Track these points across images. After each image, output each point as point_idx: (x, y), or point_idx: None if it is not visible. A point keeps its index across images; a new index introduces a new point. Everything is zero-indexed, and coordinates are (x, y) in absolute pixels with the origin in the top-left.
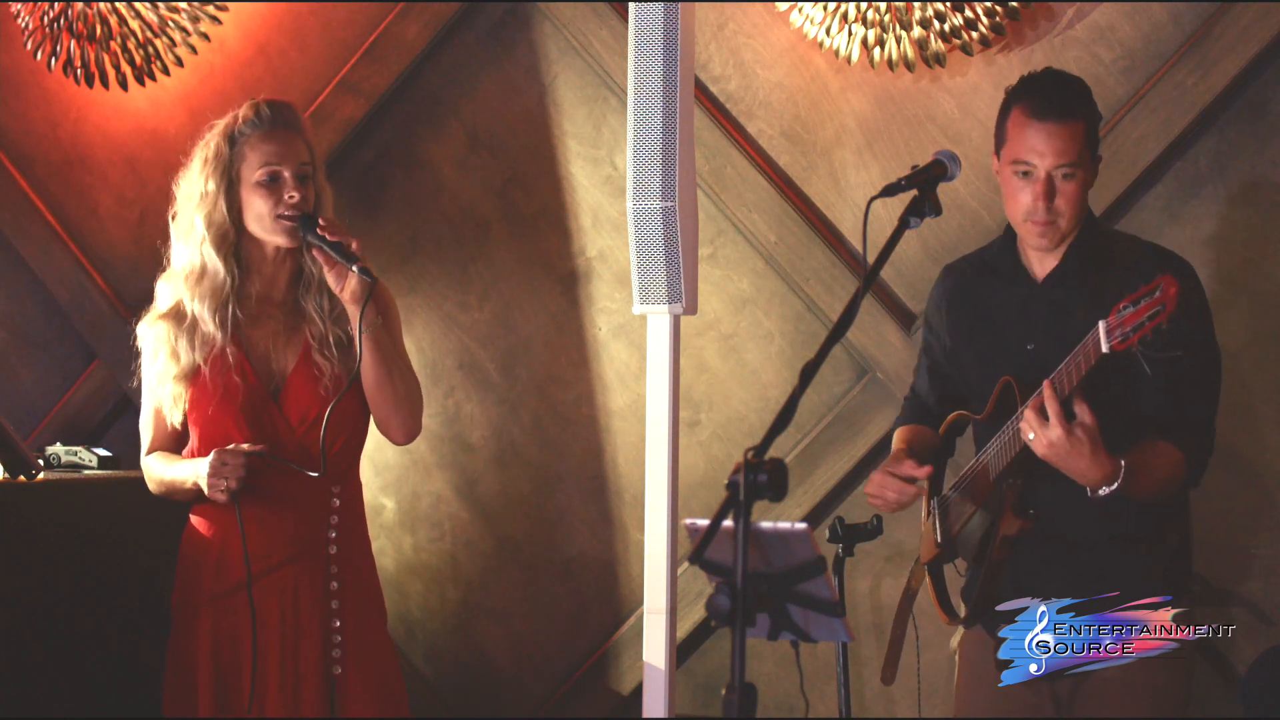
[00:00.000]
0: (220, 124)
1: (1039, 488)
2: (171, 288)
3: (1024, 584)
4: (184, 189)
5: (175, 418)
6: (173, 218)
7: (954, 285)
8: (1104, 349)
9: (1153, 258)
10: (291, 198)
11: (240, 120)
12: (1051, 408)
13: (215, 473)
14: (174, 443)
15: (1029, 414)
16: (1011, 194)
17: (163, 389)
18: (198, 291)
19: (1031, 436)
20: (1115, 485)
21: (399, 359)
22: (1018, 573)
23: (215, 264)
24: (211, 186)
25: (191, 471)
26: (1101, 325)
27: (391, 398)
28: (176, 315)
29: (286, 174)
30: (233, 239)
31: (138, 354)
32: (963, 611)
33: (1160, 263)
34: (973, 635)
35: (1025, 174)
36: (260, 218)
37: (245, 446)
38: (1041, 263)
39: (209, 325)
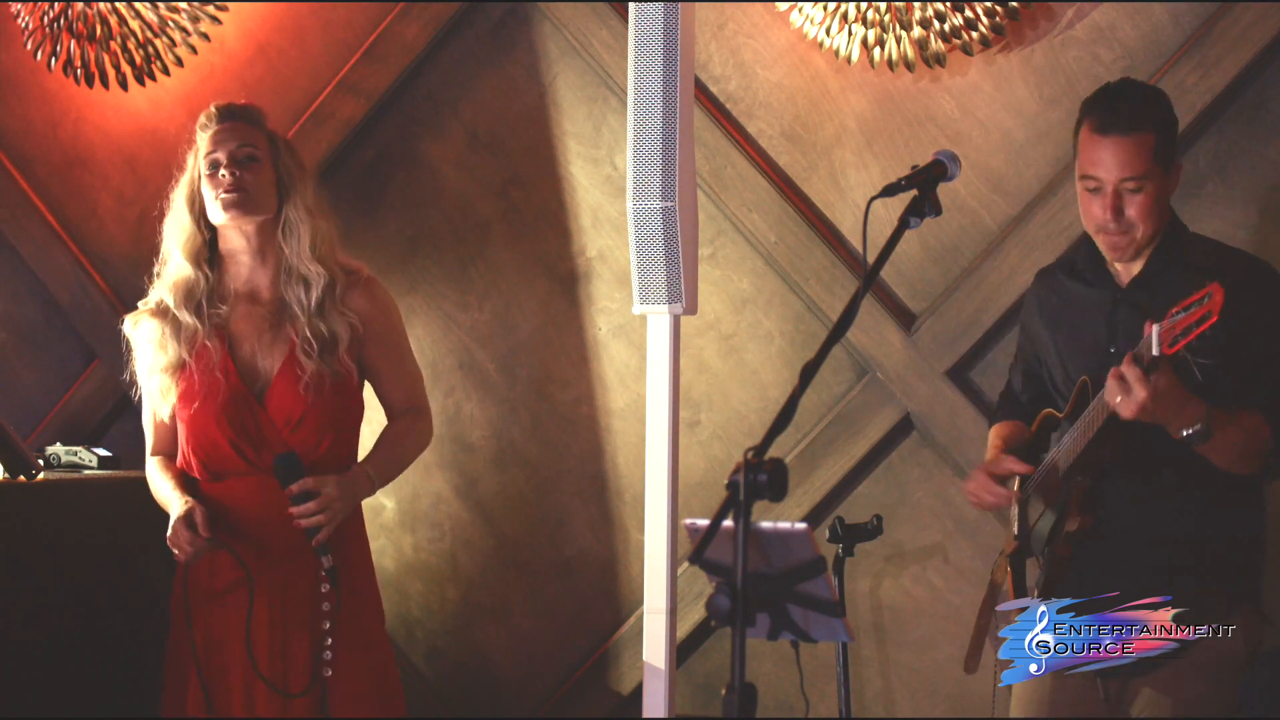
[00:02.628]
0: None
1: (1108, 487)
2: (155, 287)
3: (1090, 580)
4: (171, 201)
5: (164, 411)
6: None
7: (1046, 288)
8: (1155, 352)
9: (1234, 262)
10: (224, 177)
11: (197, 129)
12: (1131, 372)
13: (171, 538)
14: (173, 441)
15: (1111, 382)
16: (1084, 206)
17: (151, 382)
18: (174, 292)
19: (1119, 401)
20: (1199, 425)
21: (401, 459)
22: (1084, 573)
23: (183, 264)
24: (179, 193)
25: (173, 502)
26: (1155, 329)
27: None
28: (160, 312)
29: (223, 157)
30: (199, 241)
31: (131, 344)
32: None
33: (1242, 267)
34: None
35: (1094, 189)
36: (210, 205)
37: (199, 542)
38: (1125, 267)
39: (186, 317)
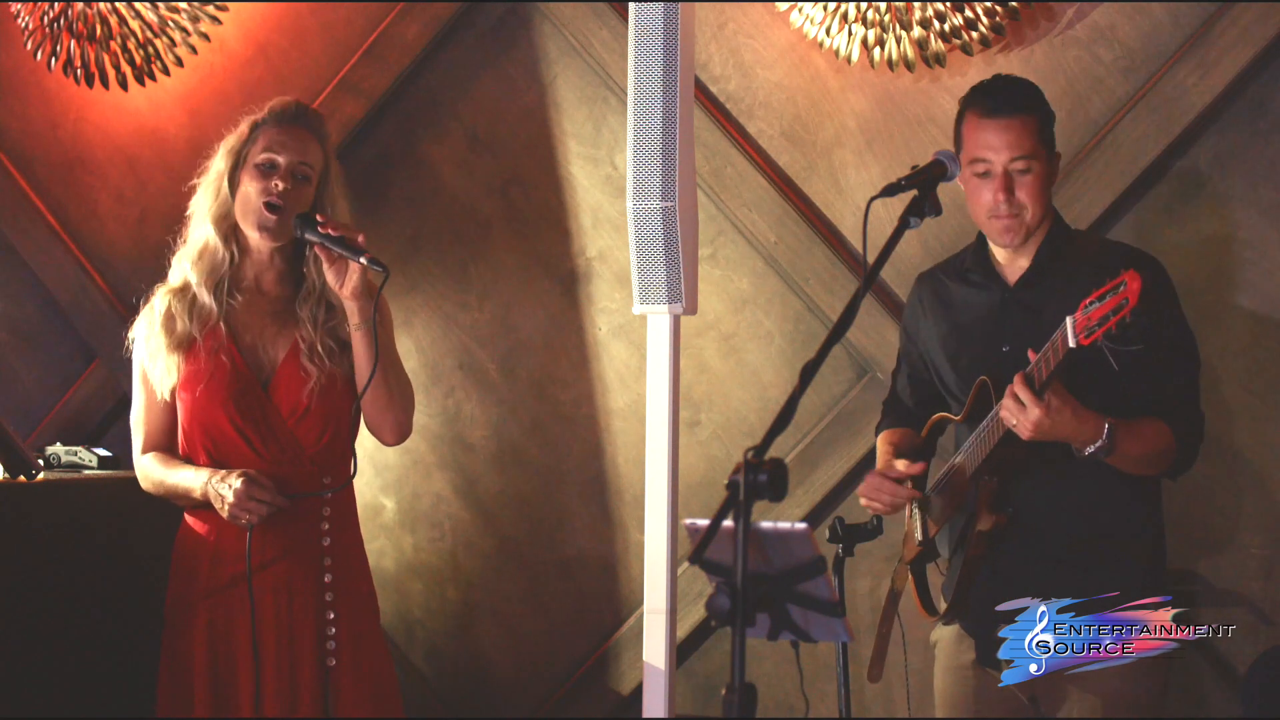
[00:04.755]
0: (251, 115)
1: (1016, 486)
2: (181, 265)
3: (1003, 582)
4: (206, 171)
5: (165, 389)
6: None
7: (929, 291)
8: (1070, 344)
9: (1121, 256)
10: (277, 186)
11: (266, 110)
12: (1023, 393)
13: (240, 504)
14: (168, 438)
15: (1007, 402)
16: (973, 195)
17: (156, 363)
18: (198, 266)
19: (1015, 423)
20: (1101, 441)
21: (393, 358)
22: (997, 571)
23: (215, 240)
24: (222, 166)
25: (197, 482)
26: (1069, 321)
27: (385, 397)
28: (180, 290)
29: (282, 163)
30: (232, 219)
31: (131, 345)
32: (942, 607)
33: (1128, 261)
34: (949, 631)
35: (984, 173)
36: (245, 200)
37: (279, 500)
38: (1012, 266)
39: (205, 297)
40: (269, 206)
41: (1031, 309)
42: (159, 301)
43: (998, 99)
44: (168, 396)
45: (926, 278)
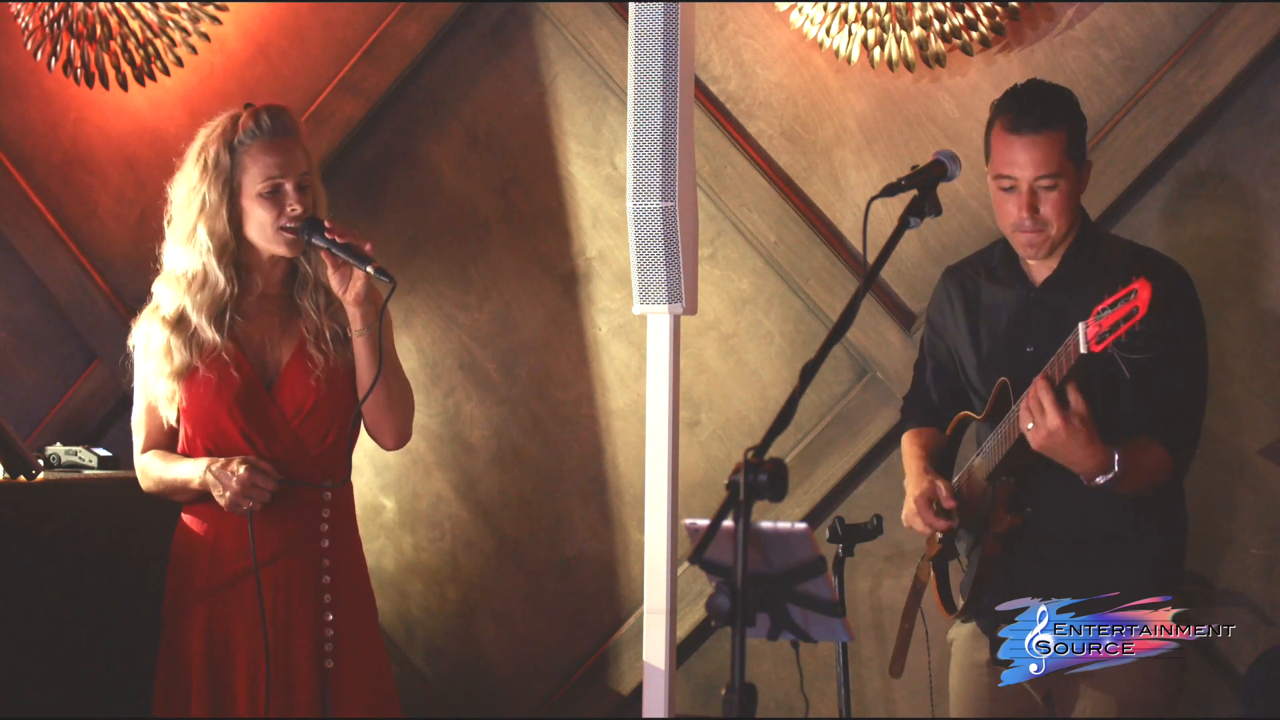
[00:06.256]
0: (216, 128)
1: (1032, 487)
2: (171, 291)
3: (1018, 582)
4: (181, 193)
5: (170, 415)
6: (168, 221)
7: (956, 287)
8: (1082, 350)
9: (1147, 262)
10: (294, 210)
11: (240, 129)
12: (1046, 397)
13: (244, 490)
14: (168, 439)
15: (1029, 403)
16: (999, 206)
17: (157, 386)
18: (198, 299)
19: (1030, 426)
20: (1111, 474)
21: (393, 362)
22: (1012, 570)
23: (216, 274)
24: (214, 196)
25: (195, 472)
26: (1081, 327)
27: (385, 401)
28: (176, 320)
29: (288, 186)
30: (233, 249)
31: (131, 351)
32: (960, 605)
33: (1154, 267)
34: (966, 629)
35: (1009, 188)
36: (262, 228)
37: (274, 482)
38: (1039, 267)
39: (207, 332)
40: (291, 230)
41: (1056, 311)
42: (156, 332)
43: (1027, 114)
44: (173, 421)
45: (954, 271)
